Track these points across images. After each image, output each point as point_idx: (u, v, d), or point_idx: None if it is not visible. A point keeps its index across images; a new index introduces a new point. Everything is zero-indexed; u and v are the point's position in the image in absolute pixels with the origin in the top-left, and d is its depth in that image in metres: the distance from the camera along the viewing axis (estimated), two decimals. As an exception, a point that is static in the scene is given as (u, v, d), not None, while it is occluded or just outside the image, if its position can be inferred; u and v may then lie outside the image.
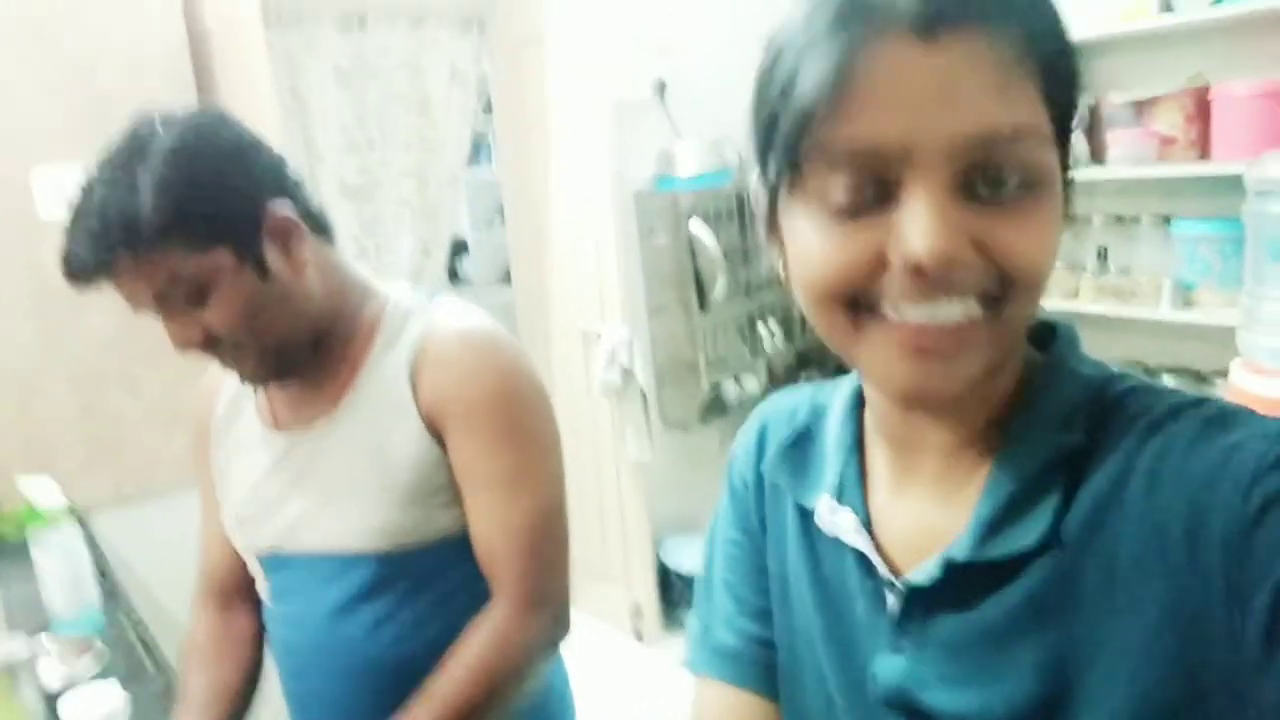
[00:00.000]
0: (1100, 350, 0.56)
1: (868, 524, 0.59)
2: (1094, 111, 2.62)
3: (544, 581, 0.99)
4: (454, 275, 4.59)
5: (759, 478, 0.68)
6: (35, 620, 1.53)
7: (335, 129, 2.90)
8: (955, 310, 0.47)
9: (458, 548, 1.00)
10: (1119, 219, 2.65)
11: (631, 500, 3.06)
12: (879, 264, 0.48)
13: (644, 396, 2.96)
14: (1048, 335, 0.57)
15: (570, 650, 1.08)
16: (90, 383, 2.17)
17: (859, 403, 0.63)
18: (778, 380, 3.46)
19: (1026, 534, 0.51)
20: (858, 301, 0.50)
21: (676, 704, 2.61)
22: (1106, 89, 2.61)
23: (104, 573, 1.72)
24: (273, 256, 0.93)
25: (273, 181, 0.95)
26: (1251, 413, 0.49)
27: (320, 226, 1.01)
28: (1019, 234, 0.47)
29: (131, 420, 2.22)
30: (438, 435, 0.97)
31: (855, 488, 0.60)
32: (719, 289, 2.93)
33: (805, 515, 0.63)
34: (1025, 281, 0.48)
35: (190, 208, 0.87)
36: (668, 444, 3.18)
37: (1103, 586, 0.48)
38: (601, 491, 3.12)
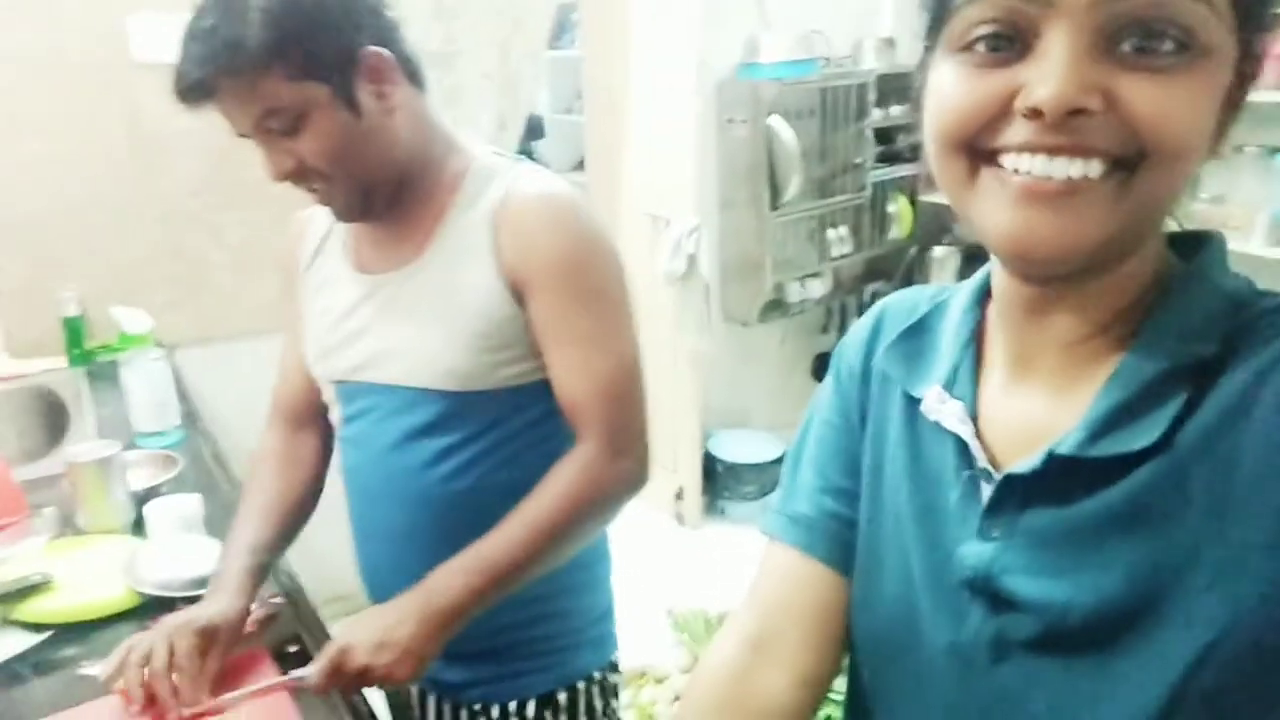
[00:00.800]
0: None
1: (975, 417, 0.58)
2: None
3: (628, 427, 1.05)
4: (530, 157, 4.59)
5: (866, 369, 0.68)
6: (123, 435, 1.66)
7: (423, -7, 2.88)
8: (1074, 168, 0.46)
9: (520, 396, 1.06)
10: (1219, 144, 2.53)
11: (685, 388, 3.12)
12: (1004, 111, 0.47)
13: (706, 288, 2.97)
14: (1195, 246, 0.54)
15: (612, 526, 1.14)
16: (178, 225, 2.27)
17: (982, 297, 0.62)
18: (842, 288, 3.44)
19: (1139, 436, 0.50)
20: (978, 150, 0.49)
21: (712, 585, 2.72)
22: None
23: (184, 400, 1.84)
24: (366, 96, 0.97)
25: (372, 22, 0.99)
26: None
27: (414, 74, 1.04)
28: (1161, 96, 0.45)
29: (214, 265, 2.33)
30: (516, 292, 1.02)
31: (968, 380, 0.60)
32: (793, 188, 2.89)
33: (912, 404, 0.62)
34: (1160, 148, 0.45)
35: (293, 38, 0.92)
36: (725, 337, 3.21)
37: (1214, 497, 0.47)
38: (657, 376, 3.17)
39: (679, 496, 3.21)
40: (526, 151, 4.53)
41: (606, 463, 1.03)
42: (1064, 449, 0.52)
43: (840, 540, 0.67)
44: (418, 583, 0.98)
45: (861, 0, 3.22)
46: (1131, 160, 0.46)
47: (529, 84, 3.20)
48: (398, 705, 1.30)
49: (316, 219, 1.17)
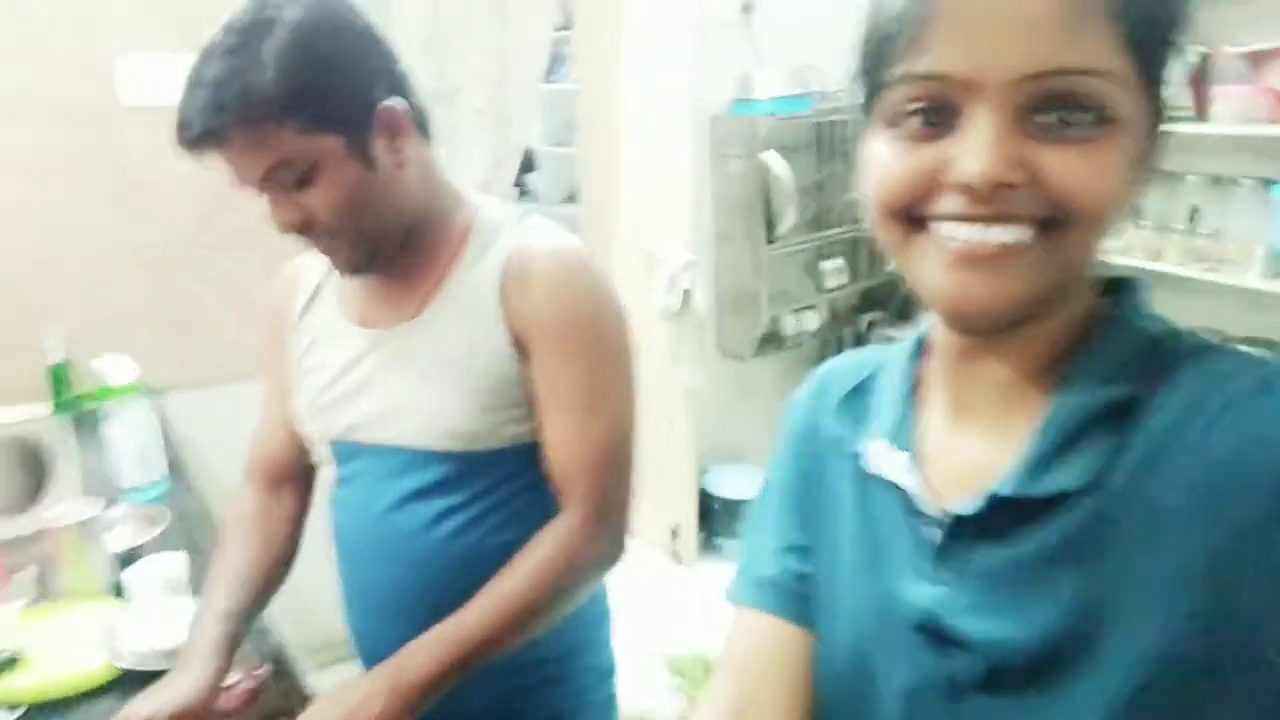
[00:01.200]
0: (1181, 316, 0.56)
1: (918, 466, 0.61)
2: (1204, 63, 2.47)
3: (614, 501, 1.02)
4: (522, 191, 4.58)
5: (814, 426, 0.70)
6: (107, 490, 1.62)
7: (417, 31, 2.87)
8: (1006, 234, 0.49)
9: (522, 455, 1.03)
10: (1216, 179, 2.53)
11: (680, 424, 3.08)
12: (935, 184, 0.51)
13: (701, 322, 2.95)
14: (1119, 289, 0.58)
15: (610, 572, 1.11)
16: (167, 268, 2.23)
17: (920, 351, 0.65)
18: (839, 319, 3.42)
19: (1072, 474, 0.52)
20: (914, 217, 0.53)
21: (708, 624, 2.67)
22: (1219, 41, 2.46)
23: (172, 449, 1.80)
24: (380, 148, 0.95)
25: (388, 73, 0.96)
26: None
27: (424, 125, 1.02)
28: (1077, 166, 0.48)
29: (206, 308, 2.29)
30: (522, 350, 0.99)
31: (908, 431, 0.62)
32: (788, 221, 2.88)
33: (859, 461, 0.64)
34: (1079, 212, 0.49)
35: (311, 88, 0.89)
36: (721, 372, 3.18)
37: (1144, 530, 0.49)
38: (651, 412, 3.14)
39: (675, 534, 3.17)
40: (520, 184, 4.52)
41: (586, 537, 1.00)
42: (1005, 490, 0.54)
43: (804, 597, 0.68)
44: None
45: (854, 35, 3.22)
46: (1055, 222, 0.49)
47: (523, 118, 3.19)
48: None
49: (307, 270, 1.14)
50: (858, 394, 0.67)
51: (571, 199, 3.92)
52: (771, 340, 3.13)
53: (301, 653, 2.40)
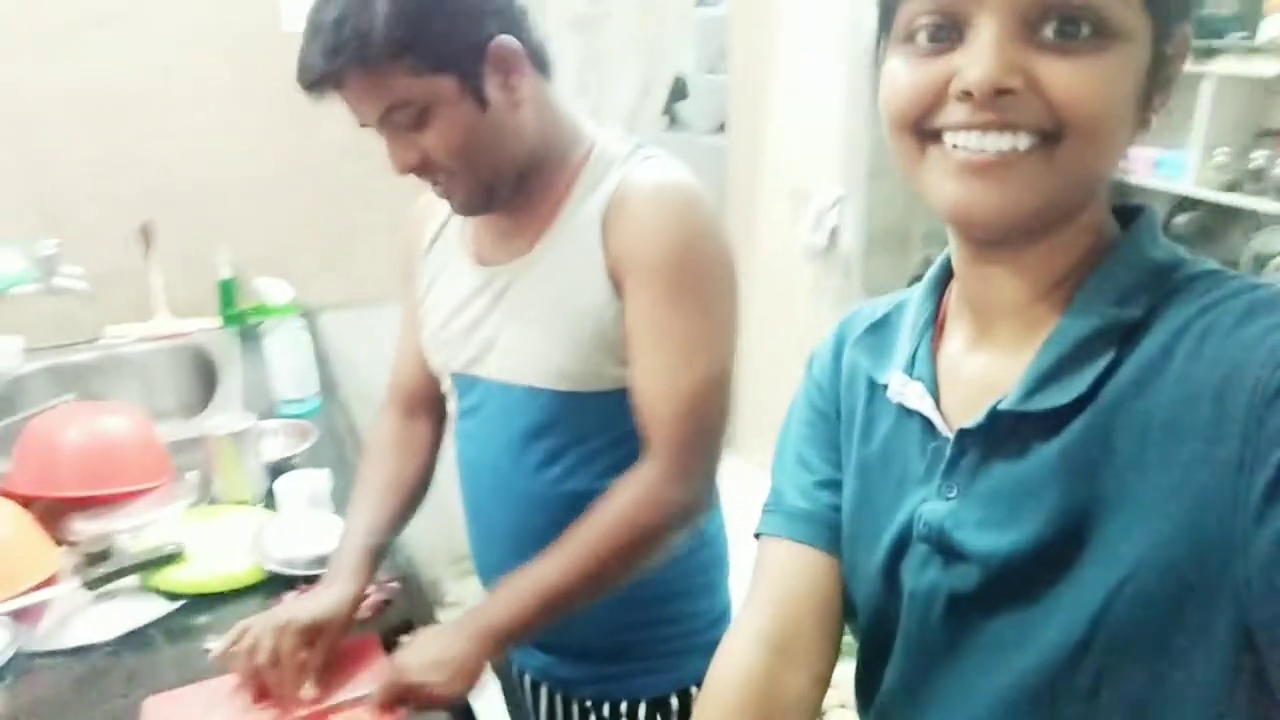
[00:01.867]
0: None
1: (935, 393, 0.63)
2: None
3: (699, 452, 0.99)
4: (672, 119, 4.51)
5: (836, 367, 0.73)
6: (266, 401, 1.72)
7: (568, -45, 2.84)
8: (1004, 141, 0.51)
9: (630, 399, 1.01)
10: None
11: (821, 367, 2.99)
12: (943, 95, 0.53)
13: (847, 262, 2.84)
14: (1132, 217, 0.59)
15: (731, 498, 1.10)
16: (326, 191, 2.33)
17: (941, 283, 0.67)
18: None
19: (1067, 391, 0.55)
20: (924, 130, 0.55)
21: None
22: None
23: (325, 367, 1.89)
24: (493, 89, 0.94)
25: (501, 10, 0.94)
26: None
27: (541, 62, 1.00)
28: (1075, 76, 0.50)
29: (359, 230, 2.38)
30: (620, 288, 0.97)
31: (926, 361, 0.65)
32: (948, 157, 2.70)
33: (879, 391, 0.67)
34: (1077, 123, 0.51)
35: (421, 29, 0.88)
36: (868, 315, 3.06)
37: (1134, 445, 0.52)
38: (791, 358, 3.07)
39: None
40: (670, 113, 4.45)
41: (666, 489, 0.97)
42: (1004, 405, 0.57)
43: (837, 529, 0.70)
44: None
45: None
46: (1054, 134, 0.51)
47: (675, 46, 3.11)
48: (510, 693, 1.30)
49: (437, 203, 1.15)
50: (879, 328, 0.69)
51: (722, 129, 3.82)
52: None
53: (442, 561, 2.53)
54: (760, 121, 3.09)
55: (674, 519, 0.99)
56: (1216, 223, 2.46)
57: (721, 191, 3.23)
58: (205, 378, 2.01)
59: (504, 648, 0.96)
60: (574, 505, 1.02)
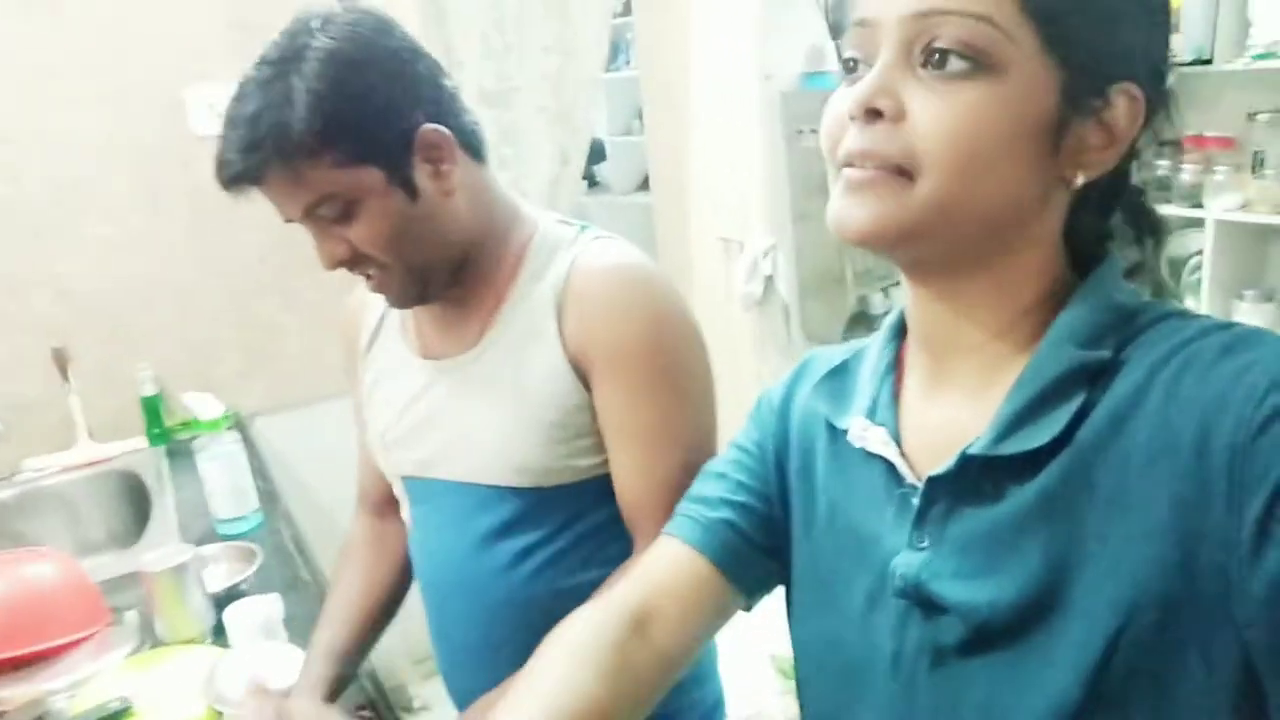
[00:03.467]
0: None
1: (898, 439, 0.62)
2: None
3: None
4: (592, 182, 4.53)
5: (786, 409, 0.73)
6: (203, 519, 1.63)
7: (474, 34, 2.84)
8: (868, 173, 0.53)
9: (603, 486, 0.96)
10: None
11: (771, 415, 2.99)
12: (845, 123, 0.55)
13: (785, 308, 2.85)
14: (1093, 265, 0.60)
15: None
16: (247, 294, 2.26)
17: (900, 329, 0.67)
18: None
19: (1041, 433, 0.54)
20: (836, 158, 0.56)
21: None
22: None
23: (264, 478, 1.80)
24: (423, 177, 0.90)
25: (428, 96, 0.90)
26: (1275, 335, 0.51)
27: (472, 145, 0.96)
28: (940, 108, 0.51)
29: (287, 331, 2.31)
30: (583, 377, 0.93)
31: (888, 406, 0.64)
32: (869, 196, 2.75)
33: (838, 435, 0.66)
34: (933, 155, 0.51)
35: (343, 121, 0.84)
36: (810, 358, 3.08)
37: (1113, 487, 0.51)
38: (739, 405, 3.06)
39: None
40: (589, 176, 4.47)
41: None
42: (975, 449, 0.56)
43: (731, 549, 0.70)
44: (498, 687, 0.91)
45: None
46: (908, 170, 0.52)
47: (587, 112, 3.13)
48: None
49: (372, 297, 1.10)
50: (838, 374, 0.69)
51: (644, 187, 3.85)
52: (860, 320, 3.00)
53: (403, 663, 2.42)
54: (682, 176, 3.11)
55: None
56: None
57: (653, 250, 3.23)
58: (136, 503, 1.90)
59: None
60: (547, 608, 0.96)
